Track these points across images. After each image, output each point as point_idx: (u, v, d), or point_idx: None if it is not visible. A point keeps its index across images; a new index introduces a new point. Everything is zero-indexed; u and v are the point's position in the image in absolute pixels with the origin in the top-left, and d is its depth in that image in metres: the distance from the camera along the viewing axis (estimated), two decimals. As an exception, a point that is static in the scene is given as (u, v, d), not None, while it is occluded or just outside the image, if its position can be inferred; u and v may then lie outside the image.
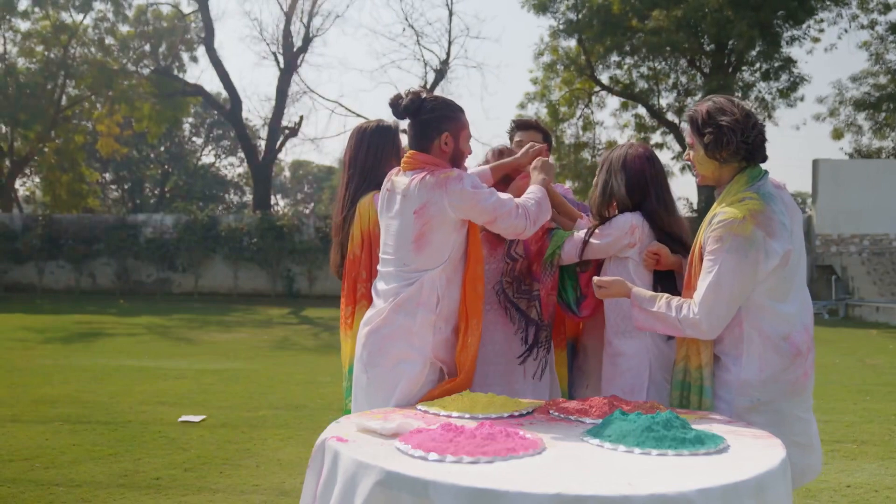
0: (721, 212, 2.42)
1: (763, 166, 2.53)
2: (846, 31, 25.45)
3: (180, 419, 6.06)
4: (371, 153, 2.95)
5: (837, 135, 25.89)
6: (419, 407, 2.42)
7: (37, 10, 24.99)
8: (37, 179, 33.14)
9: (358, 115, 26.23)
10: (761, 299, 2.40)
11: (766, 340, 2.41)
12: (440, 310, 2.58)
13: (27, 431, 5.59)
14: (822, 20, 22.19)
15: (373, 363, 2.62)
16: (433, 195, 2.52)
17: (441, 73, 25.39)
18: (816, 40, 22.51)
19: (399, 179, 2.62)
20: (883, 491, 4.47)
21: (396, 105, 2.67)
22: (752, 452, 1.95)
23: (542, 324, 2.92)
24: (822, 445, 5.31)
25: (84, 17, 25.24)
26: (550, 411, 2.37)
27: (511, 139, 3.39)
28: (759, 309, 2.41)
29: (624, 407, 2.30)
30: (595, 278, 2.67)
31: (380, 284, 2.66)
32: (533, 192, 2.73)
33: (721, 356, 2.48)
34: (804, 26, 21.63)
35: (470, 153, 2.74)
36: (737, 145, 2.45)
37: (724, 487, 1.69)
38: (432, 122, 2.63)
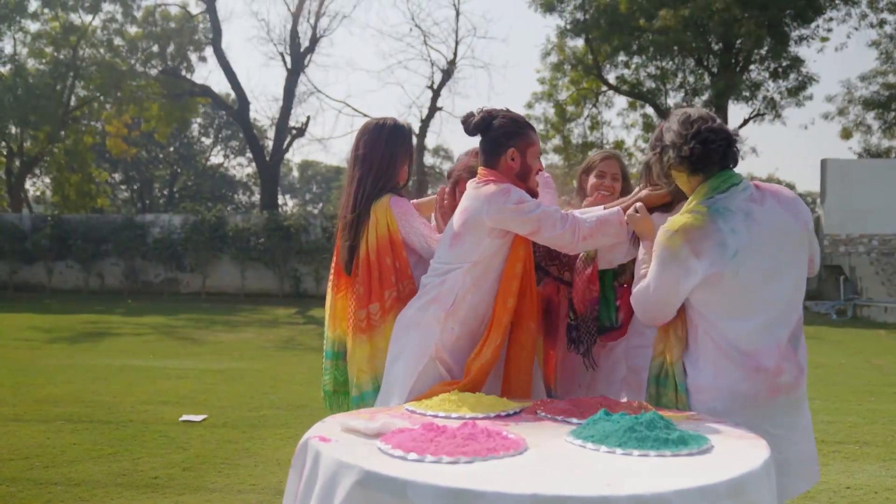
0: (670, 219, 2.41)
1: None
2: (855, 29, 25.42)
3: (181, 419, 6.08)
4: (388, 152, 2.92)
5: (846, 134, 25.77)
6: (406, 407, 2.42)
7: (46, 11, 25.14)
8: (47, 180, 33.32)
9: (365, 116, 26.27)
10: (704, 313, 2.38)
11: (719, 349, 2.36)
12: (455, 309, 2.66)
13: (28, 430, 5.62)
14: (830, 19, 22.08)
15: (388, 353, 2.74)
16: (477, 202, 2.66)
17: (448, 74, 25.41)
18: (825, 39, 22.40)
19: (469, 185, 2.77)
20: (883, 492, 4.44)
21: (468, 123, 2.78)
22: (735, 453, 1.93)
23: (576, 319, 2.94)
24: (824, 446, 5.35)
25: (93, 18, 25.39)
26: (538, 411, 2.36)
27: None
28: (707, 320, 2.38)
29: (611, 408, 2.29)
30: (637, 205, 2.67)
31: (422, 278, 2.80)
32: (609, 211, 2.73)
33: (684, 358, 2.43)
34: (813, 25, 21.53)
35: (541, 168, 2.84)
36: (678, 161, 2.40)
37: (703, 488, 1.68)
38: (500, 138, 2.73)
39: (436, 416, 2.27)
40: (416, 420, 2.21)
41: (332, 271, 3.06)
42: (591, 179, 3.29)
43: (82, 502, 4.09)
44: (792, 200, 2.44)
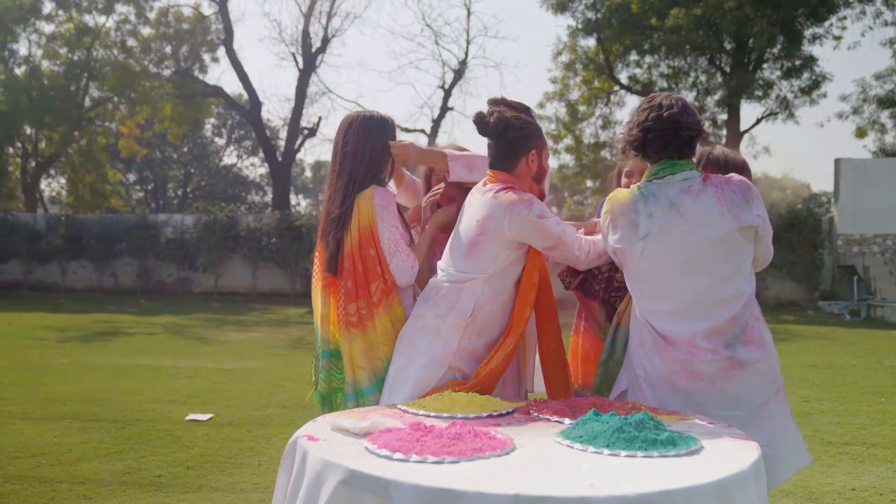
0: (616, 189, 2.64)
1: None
2: (870, 28, 25.12)
3: (187, 417, 6.10)
4: (378, 147, 2.87)
5: (861, 133, 25.54)
6: (400, 406, 2.42)
7: (60, 12, 25.32)
8: (62, 180, 33.57)
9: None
10: (628, 285, 2.56)
11: (639, 318, 2.50)
12: (473, 319, 2.64)
13: (36, 429, 5.66)
14: (844, 17, 21.86)
15: (397, 353, 2.69)
16: (498, 211, 2.60)
17: (459, 73, 25.41)
18: (839, 38, 22.19)
19: (481, 188, 2.71)
20: (888, 494, 4.40)
21: (484, 124, 2.71)
22: (724, 455, 1.91)
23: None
24: (831, 448, 5.32)
25: (106, 20, 25.55)
26: (531, 412, 2.36)
27: None
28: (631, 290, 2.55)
29: (602, 408, 2.28)
30: None
31: (432, 279, 2.76)
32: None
33: (630, 321, 2.58)
34: (826, 24, 21.35)
35: (549, 169, 2.82)
36: (628, 145, 2.55)
37: (688, 489, 1.66)
38: (520, 140, 2.68)
39: (427, 416, 2.27)
40: (407, 420, 2.21)
41: (315, 268, 3.00)
42: (625, 180, 3.25)
43: (85, 500, 4.12)
44: (736, 198, 2.39)
